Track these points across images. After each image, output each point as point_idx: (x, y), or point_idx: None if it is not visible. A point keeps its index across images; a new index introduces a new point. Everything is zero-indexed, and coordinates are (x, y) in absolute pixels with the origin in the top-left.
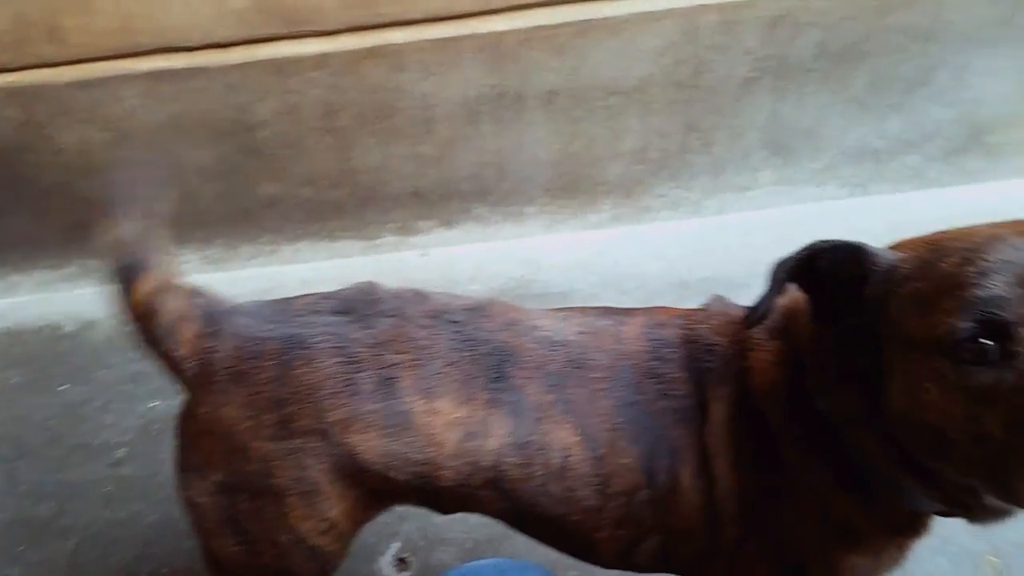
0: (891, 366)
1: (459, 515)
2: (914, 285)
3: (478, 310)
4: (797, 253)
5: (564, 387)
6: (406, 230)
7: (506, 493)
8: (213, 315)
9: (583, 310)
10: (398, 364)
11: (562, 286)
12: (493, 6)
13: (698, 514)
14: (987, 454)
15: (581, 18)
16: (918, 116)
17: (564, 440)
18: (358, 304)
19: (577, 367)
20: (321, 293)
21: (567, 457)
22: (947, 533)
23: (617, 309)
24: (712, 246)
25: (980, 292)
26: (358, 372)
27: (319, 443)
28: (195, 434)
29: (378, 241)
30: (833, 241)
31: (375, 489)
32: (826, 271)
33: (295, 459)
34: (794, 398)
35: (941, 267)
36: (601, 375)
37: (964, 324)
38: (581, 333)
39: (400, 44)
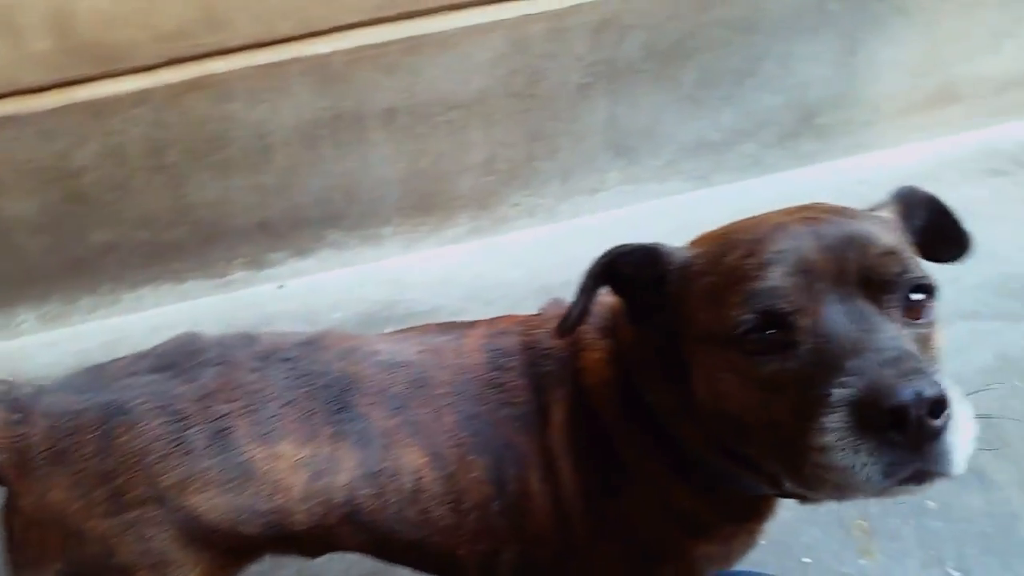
0: (692, 359)
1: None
2: (706, 280)
3: (312, 344)
4: (598, 260)
5: (408, 408)
6: (257, 264)
7: (364, 526)
8: (17, 400)
9: (423, 329)
10: (229, 414)
11: (427, 304)
12: (315, 28)
13: (549, 518)
14: (780, 439)
15: (408, 35)
16: (749, 106)
17: (413, 463)
18: (178, 358)
19: (420, 387)
20: (137, 352)
21: (418, 479)
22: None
23: (458, 323)
24: (570, 249)
25: (759, 284)
26: (187, 429)
27: (158, 511)
28: (24, 527)
29: (228, 278)
30: (630, 245)
31: (229, 547)
32: (629, 274)
33: (136, 532)
34: (626, 394)
35: (727, 261)
36: (444, 391)
37: (746, 316)
38: (421, 352)
39: (223, 73)
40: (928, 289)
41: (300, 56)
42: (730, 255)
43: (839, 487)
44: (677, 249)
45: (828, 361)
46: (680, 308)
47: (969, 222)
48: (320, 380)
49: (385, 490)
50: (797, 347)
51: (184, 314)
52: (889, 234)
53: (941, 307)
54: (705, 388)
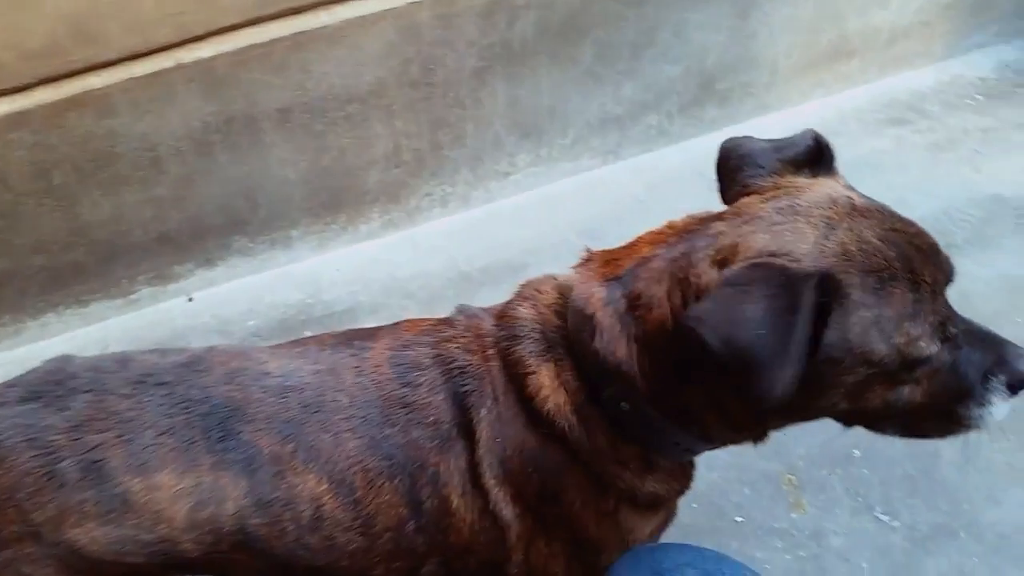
0: (821, 380)
1: None
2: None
3: (192, 365)
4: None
5: (303, 435)
6: (162, 278)
7: (262, 553)
8: None
9: (321, 341)
10: (102, 444)
11: (346, 303)
12: (193, 33)
13: (474, 529)
14: (927, 414)
15: (293, 32)
16: (649, 77)
17: (311, 491)
18: (47, 386)
19: (316, 411)
20: (5, 382)
21: (318, 507)
22: (744, 463)
23: (360, 334)
24: (486, 235)
25: (934, 318)
26: (59, 463)
27: (34, 547)
28: None
29: (134, 296)
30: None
31: (123, 575)
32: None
33: (13, 571)
34: (584, 405)
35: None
36: (344, 416)
37: (933, 347)
38: (317, 372)
39: (103, 88)
40: None
41: (182, 63)
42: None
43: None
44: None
45: (982, 352)
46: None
47: (875, 173)
48: (200, 408)
49: (281, 519)
50: (953, 347)
51: (92, 337)
52: None
53: None
54: (839, 399)
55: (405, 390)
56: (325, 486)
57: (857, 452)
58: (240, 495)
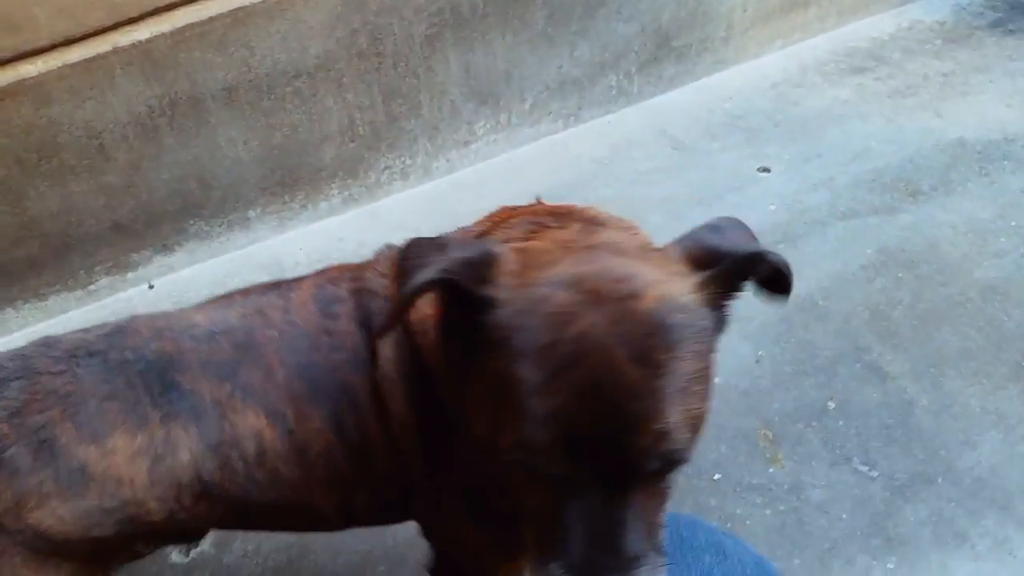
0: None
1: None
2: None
3: (119, 332)
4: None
5: (238, 374)
6: (120, 267)
7: (219, 499)
8: None
9: (246, 291)
10: (47, 423)
11: None
12: (128, 15)
13: (389, 456)
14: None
15: (231, 8)
16: (605, 37)
17: (252, 426)
18: None
19: (246, 350)
20: None
21: (260, 441)
22: (721, 421)
23: (285, 281)
24: (449, 205)
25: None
26: (6, 451)
27: None
28: None
29: (93, 287)
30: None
31: (92, 551)
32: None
33: None
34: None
35: None
36: (273, 349)
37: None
38: (244, 316)
39: (38, 76)
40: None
41: (118, 46)
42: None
43: None
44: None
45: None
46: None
47: (839, 124)
48: (137, 366)
49: (230, 459)
50: None
51: (55, 331)
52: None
53: (819, 211)
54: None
55: (327, 320)
56: (264, 420)
57: (832, 404)
58: (192, 443)
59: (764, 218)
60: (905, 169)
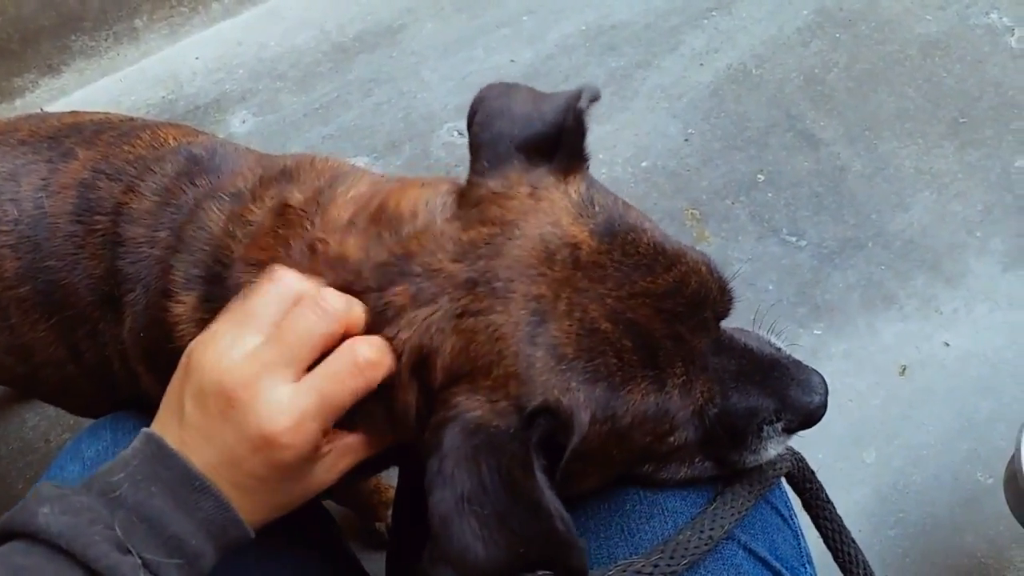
0: None
1: None
2: None
3: None
4: None
5: None
6: (6, 95)
7: None
8: None
9: (34, 130)
10: None
11: (211, 94)
12: None
13: (134, 392)
14: None
15: None
16: None
17: None
18: None
19: None
20: None
21: None
22: (647, 205)
23: (82, 135)
24: None
25: None
26: None
27: None
28: None
29: None
30: None
31: None
32: None
33: None
34: None
35: None
36: (7, 229)
37: None
38: None
39: None
40: None
41: None
42: None
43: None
44: None
45: (760, 398)
46: None
47: None
48: None
49: None
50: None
51: None
52: None
53: None
54: (593, 485)
55: (78, 227)
56: None
57: (761, 177)
58: None
59: None
60: None
